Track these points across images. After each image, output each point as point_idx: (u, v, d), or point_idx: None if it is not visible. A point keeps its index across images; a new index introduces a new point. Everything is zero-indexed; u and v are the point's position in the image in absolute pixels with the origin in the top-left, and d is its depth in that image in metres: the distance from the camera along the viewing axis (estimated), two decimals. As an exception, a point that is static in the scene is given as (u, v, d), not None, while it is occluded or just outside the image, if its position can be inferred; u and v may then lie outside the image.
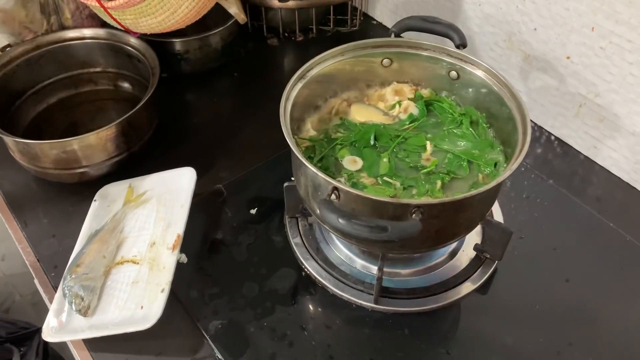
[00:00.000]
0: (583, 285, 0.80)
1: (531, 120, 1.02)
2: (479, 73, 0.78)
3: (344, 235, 0.65)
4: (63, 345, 0.75)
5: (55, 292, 0.79)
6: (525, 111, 0.70)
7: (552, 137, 1.01)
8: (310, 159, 0.76)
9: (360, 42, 0.81)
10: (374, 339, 0.75)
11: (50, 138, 0.86)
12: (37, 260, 0.84)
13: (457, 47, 0.80)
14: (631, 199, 0.91)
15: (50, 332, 0.74)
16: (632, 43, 0.81)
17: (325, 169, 0.75)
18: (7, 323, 1.28)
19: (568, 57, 0.91)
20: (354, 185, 0.73)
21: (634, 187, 0.93)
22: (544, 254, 0.83)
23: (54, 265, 0.83)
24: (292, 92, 0.75)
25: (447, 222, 0.68)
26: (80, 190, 0.92)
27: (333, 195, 0.64)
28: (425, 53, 0.82)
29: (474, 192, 0.63)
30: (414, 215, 0.61)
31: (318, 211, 0.62)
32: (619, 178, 0.94)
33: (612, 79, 0.87)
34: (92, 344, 0.74)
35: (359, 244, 0.75)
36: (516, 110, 0.72)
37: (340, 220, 0.58)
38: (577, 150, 0.98)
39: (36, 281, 0.84)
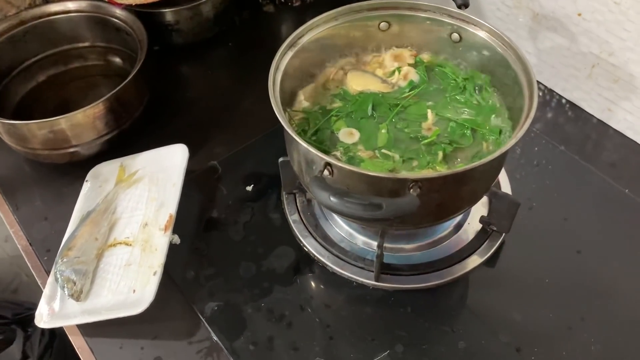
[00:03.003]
0: (595, 257, 0.76)
1: (541, 83, 0.97)
2: (482, 34, 0.73)
3: (338, 213, 0.62)
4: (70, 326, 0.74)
5: (48, 276, 0.77)
6: (532, 74, 0.65)
7: (563, 101, 0.96)
8: (303, 132, 0.72)
9: (355, 4, 0.76)
10: (376, 318, 0.72)
11: (41, 117, 0.83)
12: (29, 244, 0.83)
13: (459, 7, 0.75)
14: (648, 164, 0.87)
15: (43, 318, 0.73)
16: (650, -4, 0.75)
17: (319, 143, 0.71)
18: (13, 304, 1.28)
19: (579, 14, 0.85)
20: (351, 159, 0.69)
21: (650, 151, 0.88)
22: (554, 225, 0.80)
23: (46, 249, 0.81)
24: (282, 61, 0.71)
25: (448, 196, 0.64)
26: (72, 170, 0.89)
27: (326, 171, 0.60)
28: (424, 14, 0.77)
29: (475, 163, 0.59)
30: (411, 190, 0.57)
31: (310, 188, 0.58)
32: (635, 142, 0.89)
33: (627, 36, 0.81)
34: (86, 329, 0.73)
35: (356, 221, 0.72)
36: (522, 73, 0.68)
37: (332, 199, 0.55)
38: (589, 114, 0.93)
39: (30, 265, 0.82)
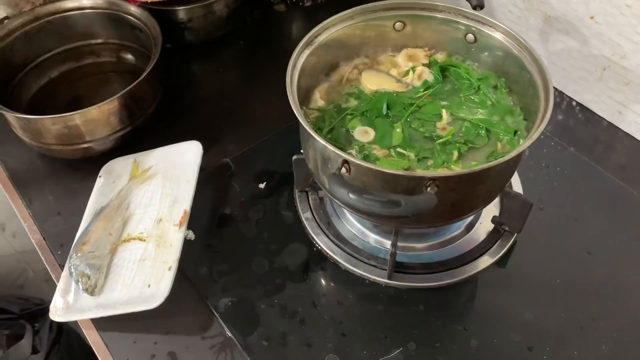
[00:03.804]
0: (606, 258, 0.76)
1: (552, 85, 0.97)
2: (498, 36, 0.73)
3: (355, 210, 0.62)
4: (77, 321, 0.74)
5: (62, 270, 0.77)
6: (548, 75, 0.66)
7: (574, 103, 0.96)
8: (319, 130, 0.73)
9: (370, 4, 0.77)
10: (388, 316, 0.72)
11: (52, 113, 0.83)
12: (43, 238, 0.83)
13: (474, 8, 0.75)
14: (657, 167, 0.87)
15: (58, 312, 0.73)
16: (663, -1, 0.76)
17: (335, 141, 0.72)
18: (20, 299, 1.28)
19: (592, 17, 0.86)
20: (366, 157, 0.70)
21: (660, 154, 0.88)
22: (565, 225, 0.80)
23: (60, 244, 0.82)
24: (299, 60, 0.71)
25: (464, 195, 0.64)
26: (85, 166, 0.89)
27: (343, 168, 0.61)
28: (440, 15, 0.77)
29: (492, 162, 0.60)
30: (429, 188, 0.58)
31: (327, 185, 0.59)
32: (645, 145, 0.90)
33: (639, 39, 0.81)
34: (100, 324, 0.73)
35: (372, 219, 0.72)
36: (537, 74, 0.68)
37: (350, 195, 0.55)
38: (600, 116, 0.94)
39: (43, 259, 0.82)
